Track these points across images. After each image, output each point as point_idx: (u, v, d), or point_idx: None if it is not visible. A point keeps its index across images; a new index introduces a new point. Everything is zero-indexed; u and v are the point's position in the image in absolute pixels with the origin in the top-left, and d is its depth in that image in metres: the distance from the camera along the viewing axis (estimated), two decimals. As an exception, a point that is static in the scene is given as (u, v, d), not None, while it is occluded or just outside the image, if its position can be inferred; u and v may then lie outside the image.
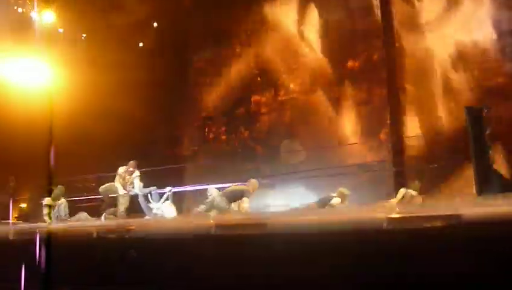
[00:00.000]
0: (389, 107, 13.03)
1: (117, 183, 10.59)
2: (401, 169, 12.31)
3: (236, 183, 9.47)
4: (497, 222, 2.34)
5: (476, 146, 8.23)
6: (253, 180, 9.27)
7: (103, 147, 13.50)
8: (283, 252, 2.70)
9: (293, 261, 2.70)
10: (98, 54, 13.92)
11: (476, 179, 8.14)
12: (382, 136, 12.80)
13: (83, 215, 10.35)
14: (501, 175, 8.13)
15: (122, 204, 10.45)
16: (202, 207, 9.39)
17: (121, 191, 10.45)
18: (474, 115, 8.56)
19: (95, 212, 11.64)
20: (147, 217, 9.65)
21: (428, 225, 2.39)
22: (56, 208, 10.20)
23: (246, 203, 8.92)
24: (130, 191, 10.54)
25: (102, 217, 10.18)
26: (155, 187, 10.48)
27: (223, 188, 9.65)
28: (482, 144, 8.23)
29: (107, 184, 10.80)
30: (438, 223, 2.37)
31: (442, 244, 2.36)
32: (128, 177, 10.59)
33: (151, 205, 10.13)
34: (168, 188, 10.43)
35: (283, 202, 11.05)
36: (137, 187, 10.38)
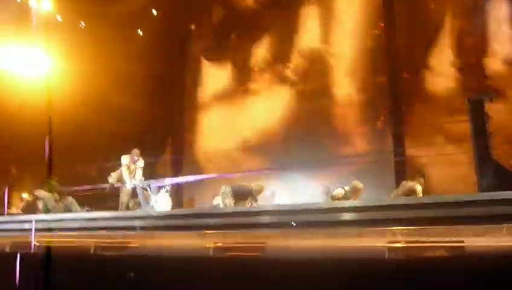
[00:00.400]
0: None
1: (125, 175, 10.52)
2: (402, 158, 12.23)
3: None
4: (500, 255, 2.28)
5: (477, 138, 8.17)
6: (261, 183, 9.14)
7: (102, 138, 13.47)
8: (280, 278, 2.63)
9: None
10: (97, 42, 13.82)
11: (477, 172, 8.09)
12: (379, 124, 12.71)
13: (70, 199, 10.36)
14: (501, 167, 8.06)
15: (127, 195, 10.43)
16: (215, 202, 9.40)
17: (129, 183, 10.39)
18: (475, 105, 8.48)
19: (93, 201, 11.70)
20: (142, 209, 9.63)
21: (431, 255, 2.33)
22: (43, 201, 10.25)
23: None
24: (133, 181, 10.50)
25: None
26: (154, 181, 10.49)
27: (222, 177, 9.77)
28: (483, 135, 8.17)
29: (116, 173, 10.68)
30: (441, 254, 2.31)
31: (445, 274, 2.30)
32: (133, 166, 10.52)
33: (150, 198, 10.11)
34: (166, 180, 10.43)
35: (288, 197, 10.88)
36: (139, 179, 10.37)
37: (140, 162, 10.57)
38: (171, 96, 15.42)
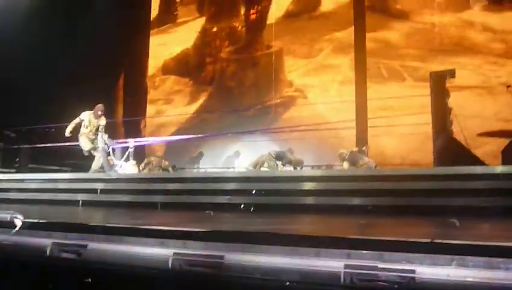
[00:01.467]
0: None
1: (82, 137, 9.93)
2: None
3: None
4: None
5: (437, 114, 8.40)
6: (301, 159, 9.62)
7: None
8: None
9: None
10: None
11: (435, 147, 8.37)
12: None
13: None
14: (459, 144, 8.36)
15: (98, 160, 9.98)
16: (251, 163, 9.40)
17: (87, 144, 9.81)
18: (437, 80, 8.68)
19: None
20: (107, 173, 9.35)
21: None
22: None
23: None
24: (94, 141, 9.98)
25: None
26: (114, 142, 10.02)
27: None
28: (444, 111, 8.41)
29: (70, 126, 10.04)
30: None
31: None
32: (95, 121, 10.02)
33: (113, 162, 9.76)
34: (130, 142, 10.13)
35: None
36: (101, 139, 9.80)
37: (103, 120, 9.96)
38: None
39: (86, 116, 9.70)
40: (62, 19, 13.23)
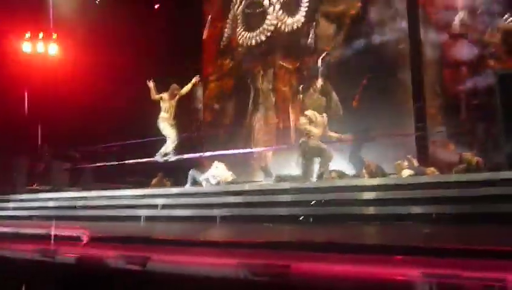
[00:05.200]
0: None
1: (164, 124, 9.99)
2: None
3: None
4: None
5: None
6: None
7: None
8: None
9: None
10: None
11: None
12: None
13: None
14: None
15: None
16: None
17: (170, 131, 10.03)
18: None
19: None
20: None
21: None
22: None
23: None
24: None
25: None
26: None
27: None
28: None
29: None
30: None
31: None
32: (172, 103, 10.01)
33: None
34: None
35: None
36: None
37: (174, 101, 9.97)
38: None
39: (165, 96, 9.98)
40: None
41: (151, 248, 3.24)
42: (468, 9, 9.94)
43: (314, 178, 8.28)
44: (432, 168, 8.19)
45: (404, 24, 10.69)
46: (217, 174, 9.50)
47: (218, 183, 9.35)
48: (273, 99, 12.88)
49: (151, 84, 9.96)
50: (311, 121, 8.53)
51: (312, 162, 8.48)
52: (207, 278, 2.71)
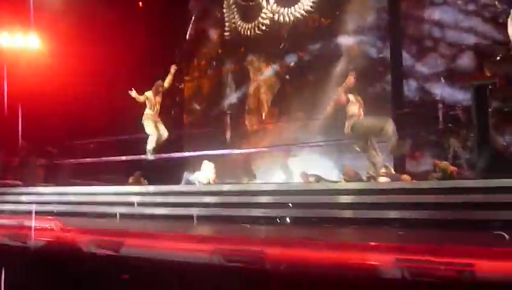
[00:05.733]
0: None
1: (147, 121, 9.77)
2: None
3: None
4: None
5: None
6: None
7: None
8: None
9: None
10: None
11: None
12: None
13: None
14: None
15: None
16: None
17: (152, 129, 9.74)
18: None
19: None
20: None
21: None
22: None
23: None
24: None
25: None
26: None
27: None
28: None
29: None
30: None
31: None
32: (157, 99, 9.80)
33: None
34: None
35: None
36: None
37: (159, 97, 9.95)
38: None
39: (149, 95, 9.76)
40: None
41: (125, 234, 3.20)
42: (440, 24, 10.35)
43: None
44: (406, 176, 8.30)
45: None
46: (206, 174, 9.59)
47: (208, 182, 9.42)
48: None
49: (133, 93, 9.81)
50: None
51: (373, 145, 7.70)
52: (181, 264, 2.69)
